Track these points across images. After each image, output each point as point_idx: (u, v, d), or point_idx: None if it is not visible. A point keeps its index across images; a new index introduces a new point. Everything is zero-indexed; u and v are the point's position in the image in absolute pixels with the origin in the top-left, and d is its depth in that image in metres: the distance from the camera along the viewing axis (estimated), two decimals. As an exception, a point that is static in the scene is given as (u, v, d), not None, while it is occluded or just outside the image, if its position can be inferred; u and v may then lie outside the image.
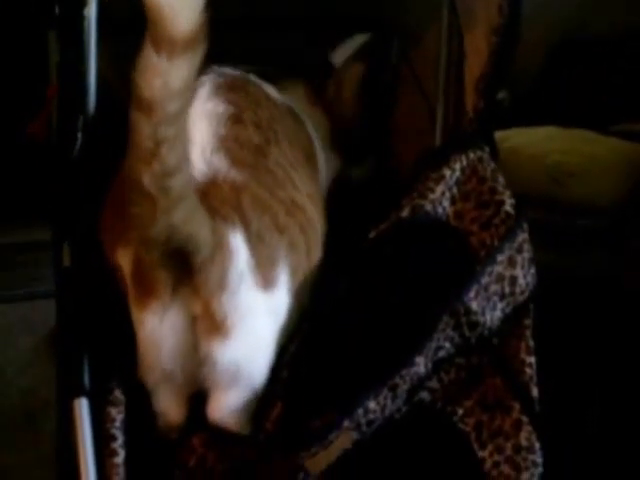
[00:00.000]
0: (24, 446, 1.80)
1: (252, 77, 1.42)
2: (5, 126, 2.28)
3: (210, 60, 1.38)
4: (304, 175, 1.33)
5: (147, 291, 1.16)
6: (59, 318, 1.30)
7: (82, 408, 1.21)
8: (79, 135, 1.28)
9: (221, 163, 1.21)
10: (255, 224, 1.19)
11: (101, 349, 1.25)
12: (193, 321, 1.16)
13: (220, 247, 1.14)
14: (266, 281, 1.19)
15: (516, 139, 1.98)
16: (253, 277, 1.17)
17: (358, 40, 1.61)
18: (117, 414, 1.23)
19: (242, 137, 1.27)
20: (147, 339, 1.17)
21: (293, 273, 1.24)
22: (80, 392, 1.22)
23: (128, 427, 1.23)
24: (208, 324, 1.15)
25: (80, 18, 1.26)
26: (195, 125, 1.23)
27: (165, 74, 0.99)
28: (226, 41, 1.48)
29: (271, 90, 1.43)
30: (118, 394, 1.24)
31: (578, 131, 2.07)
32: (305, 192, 1.30)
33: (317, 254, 1.30)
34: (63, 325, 1.28)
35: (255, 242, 1.18)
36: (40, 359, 1.98)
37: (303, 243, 1.26)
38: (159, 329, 1.16)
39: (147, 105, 1.00)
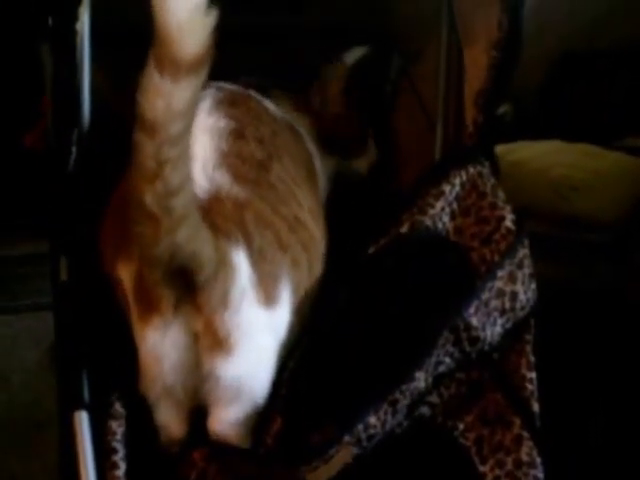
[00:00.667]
0: (30, 455, 1.80)
1: (252, 92, 1.42)
2: (5, 137, 2.29)
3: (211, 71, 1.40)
4: (305, 190, 1.33)
5: (149, 307, 1.16)
6: (57, 332, 1.30)
7: (82, 421, 1.21)
8: (73, 149, 1.28)
9: (223, 179, 1.21)
10: (258, 241, 1.19)
11: (101, 362, 1.25)
12: (195, 338, 1.16)
13: (223, 264, 1.14)
14: (268, 298, 1.19)
15: (521, 152, 1.98)
16: (255, 294, 1.17)
17: (357, 53, 1.61)
18: (118, 427, 1.23)
19: (244, 152, 1.27)
20: (149, 355, 1.17)
21: (295, 290, 1.24)
22: (80, 405, 1.22)
23: (129, 440, 1.24)
24: (211, 341, 1.15)
25: (72, 32, 1.26)
26: (196, 140, 1.22)
27: (168, 96, 0.99)
28: (226, 51, 1.49)
29: (270, 105, 1.43)
30: (119, 407, 1.24)
31: (582, 145, 2.06)
32: (307, 208, 1.30)
33: (318, 271, 1.30)
34: (62, 339, 1.29)
35: (258, 259, 1.18)
36: (45, 370, 1.98)
37: (305, 260, 1.26)
38: (161, 345, 1.16)
39: (150, 126, 1.00)
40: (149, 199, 1.03)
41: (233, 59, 1.42)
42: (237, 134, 1.28)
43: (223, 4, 1.45)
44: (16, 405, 1.93)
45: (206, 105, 1.30)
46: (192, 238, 1.09)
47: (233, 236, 1.17)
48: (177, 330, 1.16)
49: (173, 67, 0.98)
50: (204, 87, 1.30)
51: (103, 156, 1.30)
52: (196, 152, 1.21)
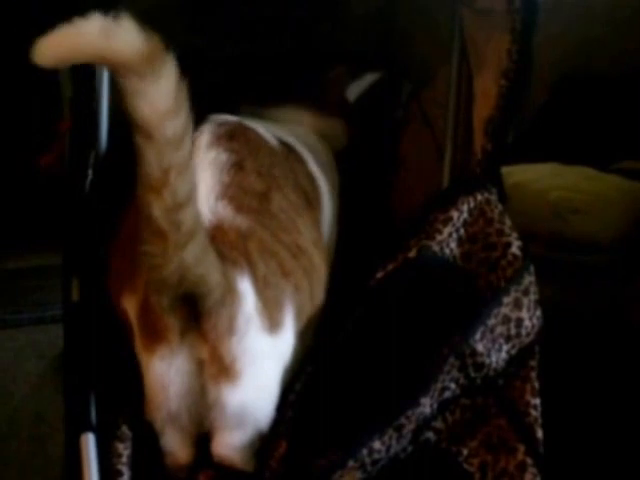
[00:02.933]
0: (32, 469, 1.80)
1: (250, 122, 1.43)
2: (15, 154, 2.30)
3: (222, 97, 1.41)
4: (307, 220, 1.35)
5: (155, 336, 1.17)
6: (66, 352, 1.30)
7: (89, 443, 1.21)
8: (90, 171, 1.28)
9: (226, 210, 1.23)
10: (262, 269, 1.20)
11: (109, 383, 1.26)
12: (200, 365, 1.17)
13: (229, 291, 1.15)
14: (273, 324, 1.20)
15: (519, 175, 1.99)
16: (260, 320, 1.18)
17: (369, 79, 1.62)
18: (124, 449, 1.24)
19: (245, 184, 1.28)
20: (154, 383, 1.18)
21: (298, 315, 1.25)
22: (87, 427, 1.22)
23: (135, 463, 1.24)
24: (216, 368, 1.16)
25: None
26: (198, 174, 1.23)
27: (144, 93, 1.00)
28: (232, 78, 1.50)
29: (268, 133, 1.43)
30: (125, 429, 1.24)
31: (580, 168, 2.08)
32: (309, 237, 1.32)
33: (320, 296, 1.32)
34: (70, 359, 1.29)
35: (262, 286, 1.19)
36: (48, 383, 1.98)
37: (307, 286, 1.28)
38: (167, 374, 1.17)
39: (145, 130, 1.02)
40: (157, 212, 1.05)
41: (244, 87, 1.45)
42: (237, 167, 1.29)
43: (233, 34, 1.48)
44: (19, 418, 1.92)
45: (205, 140, 1.32)
46: (200, 260, 1.10)
47: (239, 264, 1.18)
48: (183, 358, 1.17)
49: (129, 69, 0.99)
50: (203, 121, 1.33)
51: (119, 178, 1.32)
52: (198, 186, 1.22)
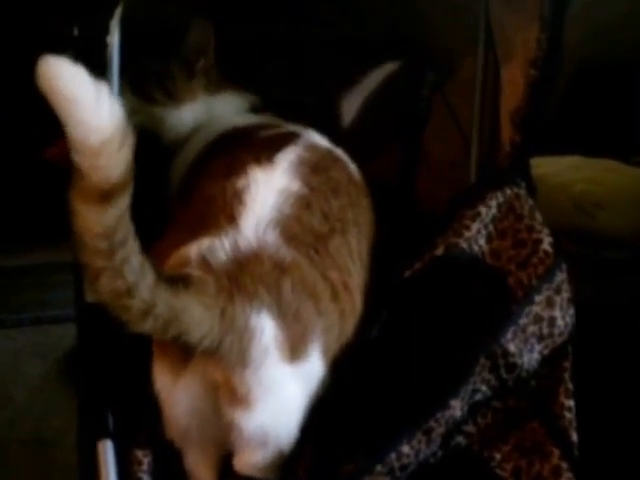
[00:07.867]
0: (35, 475, 1.77)
1: (340, 152, 1.39)
2: (19, 148, 2.26)
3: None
4: (363, 268, 1.29)
5: (160, 351, 1.16)
6: (81, 356, 1.28)
7: (107, 451, 1.19)
8: None
9: (274, 240, 1.17)
10: (294, 305, 1.15)
11: (128, 388, 1.23)
12: (213, 387, 1.14)
13: (232, 329, 1.11)
14: (295, 354, 1.16)
15: (541, 168, 1.94)
16: (280, 352, 1.14)
17: (389, 68, 1.58)
18: (144, 457, 1.22)
19: (305, 221, 1.23)
20: (161, 398, 1.17)
21: (324, 352, 1.20)
22: (104, 434, 1.20)
23: (156, 470, 1.22)
24: (230, 395, 1.13)
25: (103, 45, 1.23)
26: (260, 194, 1.21)
27: (92, 223, 0.99)
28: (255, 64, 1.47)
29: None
30: (145, 436, 1.22)
31: (603, 161, 2.05)
32: (357, 284, 1.27)
33: (346, 339, 1.25)
34: (85, 363, 1.27)
35: (291, 320, 1.15)
36: (50, 385, 1.96)
37: (337, 329, 1.23)
38: (171, 391, 1.15)
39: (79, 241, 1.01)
40: (99, 296, 1.04)
41: (264, 72, 1.41)
42: (305, 203, 1.24)
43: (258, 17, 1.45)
44: (20, 422, 1.89)
45: (286, 162, 1.27)
46: (170, 323, 1.06)
47: (257, 298, 1.13)
48: (191, 379, 1.14)
49: (92, 197, 0.98)
50: (295, 139, 1.32)
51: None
52: (255, 207, 1.19)
